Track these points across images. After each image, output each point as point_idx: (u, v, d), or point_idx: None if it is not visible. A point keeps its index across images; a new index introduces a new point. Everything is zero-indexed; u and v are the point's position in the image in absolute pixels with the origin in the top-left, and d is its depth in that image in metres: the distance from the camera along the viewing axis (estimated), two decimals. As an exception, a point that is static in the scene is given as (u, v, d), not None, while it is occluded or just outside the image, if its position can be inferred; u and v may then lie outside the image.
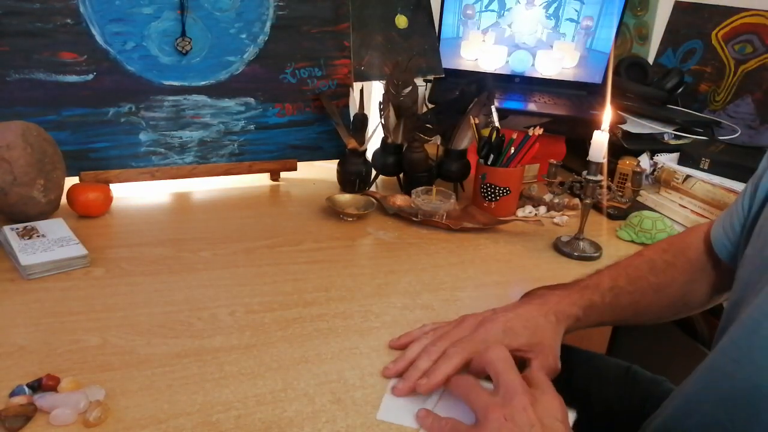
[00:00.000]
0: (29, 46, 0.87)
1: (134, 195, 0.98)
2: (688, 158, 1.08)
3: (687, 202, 1.05)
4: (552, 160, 0.92)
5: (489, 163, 0.99)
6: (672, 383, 0.78)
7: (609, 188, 0.90)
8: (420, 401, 0.55)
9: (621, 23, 1.28)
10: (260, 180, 1.09)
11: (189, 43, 0.96)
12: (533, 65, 1.31)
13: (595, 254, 0.90)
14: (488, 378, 0.53)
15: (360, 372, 0.60)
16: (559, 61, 1.31)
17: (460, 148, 1.05)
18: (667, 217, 0.99)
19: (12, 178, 0.77)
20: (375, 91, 1.26)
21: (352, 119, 1.08)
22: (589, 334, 1.12)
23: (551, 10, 1.27)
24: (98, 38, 0.91)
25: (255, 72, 1.02)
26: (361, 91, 1.07)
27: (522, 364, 0.58)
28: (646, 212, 0.97)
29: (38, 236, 0.77)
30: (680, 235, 0.75)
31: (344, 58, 1.09)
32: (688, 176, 1.05)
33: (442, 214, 0.95)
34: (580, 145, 1.18)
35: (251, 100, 1.03)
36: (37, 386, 0.53)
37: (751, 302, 0.52)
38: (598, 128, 0.85)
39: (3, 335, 0.60)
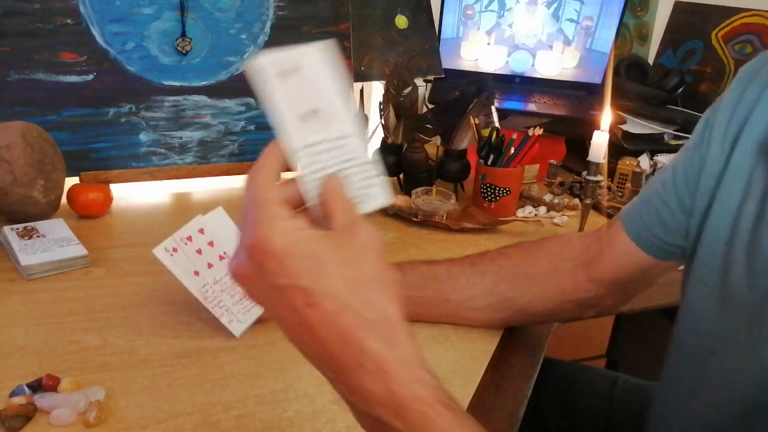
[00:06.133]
0: (29, 47, 0.87)
1: (134, 195, 0.98)
2: (688, 158, 1.08)
3: (687, 203, 1.04)
4: (552, 161, 0.92)
5: (489, 163, 0.99)
6: None
7: (609, 189, 0.91)
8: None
9: (621, 23, 1.28)
10: (260, 180, 1.09)
11: (189, 43, 0.96)
12: (533, 65, 1.31)
13: (595, 254, 0.90)
14: None
15: (360, 372, 0.60)
16: (559, 62, 1.31)
17: (460, 149, 1.04)
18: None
19: (12, 179, 0.77)
20: (375, 91, 1.26)
21: (352, 119, 1.08)
22: (588, 336, 1.13)
23: (551, 11, 1.27)
24: (98, 38, 0.91)
25: (255, 72, 1.02)
26: (361, 91, 1.07)
27: None
28: (646, 212, 0.97)
29: (38, 236, 0.77)
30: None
31: (344, 58, 1.09)
32: (688, 176, 1.05)
33: (442, 214, 0.94)
34: (580, 145, 1.18)
35: (251, 100, 1.03)
36: (37, 386, 0.53)
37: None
38: (598, 128, 0.85)
39: (3, 335, 0.60)
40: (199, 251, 0.60)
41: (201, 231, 0.61)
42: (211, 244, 0.61)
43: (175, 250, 0.59)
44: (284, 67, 0.38)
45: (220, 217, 0.63)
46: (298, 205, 0.38)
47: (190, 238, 0.60)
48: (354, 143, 0.40)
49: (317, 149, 0.39)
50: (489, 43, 1.28)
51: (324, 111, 0.39)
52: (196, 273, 0.60)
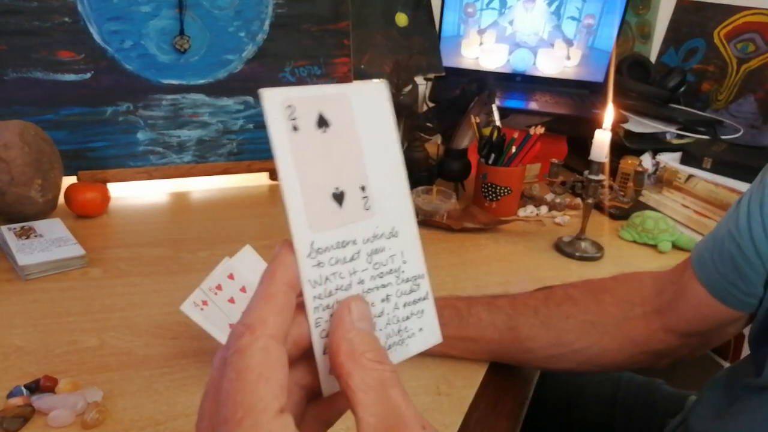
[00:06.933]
0: (27, 45, 0.87)
1: (132, 195, 0.98)
2: (690, 158, 1.08)
3: (689, 202, 1.04)
4: (553, 160, 0.92)
5: (490, 162, 0.98)
6: (668, 383, 0.77)
7: (611, 188, 0.90)
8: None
9: (623, 21, 1.27)
10: (259, 179, 1.09)
11: (187, 41, 0.96)
12: (534, 64, 1.30)
13: (597, 254, 0.89)
14: None
15: (360, 373, 0.59)
16: (560, 60, 1.30)
17: (461, 148, 1.04)
18: (670, 218, 0.99)
19: (9, 178, 0.77)
20: (375, 89, 1.25)
21: (352, 118, 1.07)
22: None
23: (553, 8, 1.26)
24: (96, 37, 0.90)
25: (254, 70, 1.01)
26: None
27: None
28: (648, 212, 0.97)
29: (36, 236, 0.76)
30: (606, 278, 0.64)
31: (344, 56, 1.08)
32: (690, 176, 1.04)
33: (443, 214, 0.94)
34: (581, 144, 1.17)
35: (250, 98, 1.02)
36: (34, 387, 0.52)
37: None
38: (600, 127, 0.84)
39: (1, 336, 0.60)
40: (232, 300, 0.54)
41: (230, 276, 0.54)
42: (243, 290, 0.54)
43: (204, 303, 0.53)
44: (319, 111, 0.24)
45: (250, 257, 0.55)
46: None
47: (219, 287, 0.54)
48: (403, 245, 0.26)
49: (347, 253, 0.25)
50: (482, 43, 1.27)
51: (371, 190, 0.25)
52: (232, 326, 0.56)
